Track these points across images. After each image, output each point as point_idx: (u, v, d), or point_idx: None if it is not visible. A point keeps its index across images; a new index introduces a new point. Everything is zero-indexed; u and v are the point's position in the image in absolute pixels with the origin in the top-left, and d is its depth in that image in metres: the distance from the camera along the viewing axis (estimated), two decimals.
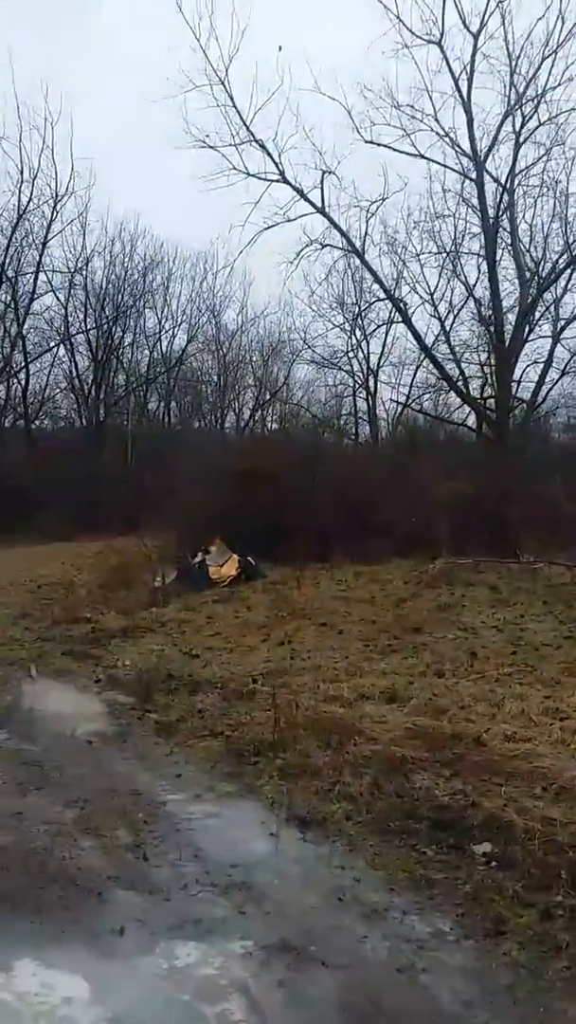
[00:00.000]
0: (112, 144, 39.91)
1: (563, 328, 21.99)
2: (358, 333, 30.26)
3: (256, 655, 8.80)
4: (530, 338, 21.96)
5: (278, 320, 37.71)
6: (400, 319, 21.38)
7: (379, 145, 19.58)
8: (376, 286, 24.34)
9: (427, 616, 10.24)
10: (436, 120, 19.51)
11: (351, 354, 30.58)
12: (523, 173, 20.18)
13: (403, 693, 6.87)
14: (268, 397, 38.13)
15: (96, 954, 3.34)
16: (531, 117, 19.50)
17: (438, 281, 23.42)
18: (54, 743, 6.14)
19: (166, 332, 37.15)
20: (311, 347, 29.65)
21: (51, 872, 4.04)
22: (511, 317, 20.63)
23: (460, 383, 22.89)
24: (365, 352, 31.15)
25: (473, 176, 19.63)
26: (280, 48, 20.91)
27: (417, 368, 29.70)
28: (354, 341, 30.42)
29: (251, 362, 38.54)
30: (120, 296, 34.10)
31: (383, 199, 20.21)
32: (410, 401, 29.48)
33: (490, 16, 18.70)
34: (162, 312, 36.80)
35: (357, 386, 32.47)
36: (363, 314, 27.10)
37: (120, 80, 41.66)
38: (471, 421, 24.95)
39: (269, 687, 7.37)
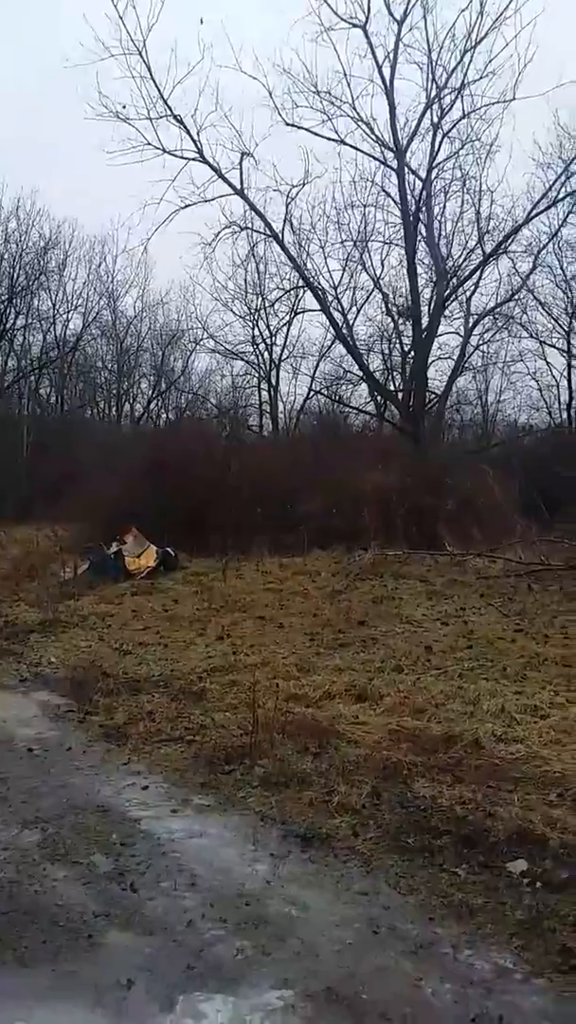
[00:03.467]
0: (7, 116, 38.10)
1: (475, 323, 22.08)
2: (261, 324, 29.85)
3: (194, 651, 8.20)
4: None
5: (178, 308, 36.77)
6: (319, 307, 20.92)
7: (300, 128, 19.10)
8: (280, 276, 24.09)
9: (367, 609, 9.82)
10: (353, 108, 19.21)
11: (255, 345, 30.17)
12: (439, 167, 20.15)
13: (370, 691, 6.40)
14: (164, 387, 37.23)
15: (104, 1017, 2.71)
16: (450, 109, 19.45)
17: (342, 274, 23.19)
18: None
19: (60, 316, 35.78)
20: (213, 336, 29.08)
21: (25, 910, 3.36)
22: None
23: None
24: (268, 343, 30.78)
25: (394, 166, 19.40)
26: (202, 21, 20.13)
27: (319, 360, 29.54)
28: (257, 332, 30.01)
29: (149, 350, 37.56)
30: (15, 275, 32.61)
31: (303, 183, 19.77)
32: (314, 392, 29.30)
33: (414, 4, 18.52)
34: (57, 295, 35.42)
35: (260, 377, 32.07)
36: (269, 304, 26.68)
37: (19, 51, 39.81)
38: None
39: (218, 685, 6.83)
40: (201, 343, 31.79)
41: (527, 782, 4.58)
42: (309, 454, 18.95)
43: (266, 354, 31.05)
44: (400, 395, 23.20)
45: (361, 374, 23.69)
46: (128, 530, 13.94)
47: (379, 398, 25.85)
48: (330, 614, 9.58)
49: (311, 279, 20.65)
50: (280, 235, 19.85)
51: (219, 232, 19.97)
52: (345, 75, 18.78)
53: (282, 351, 30.69)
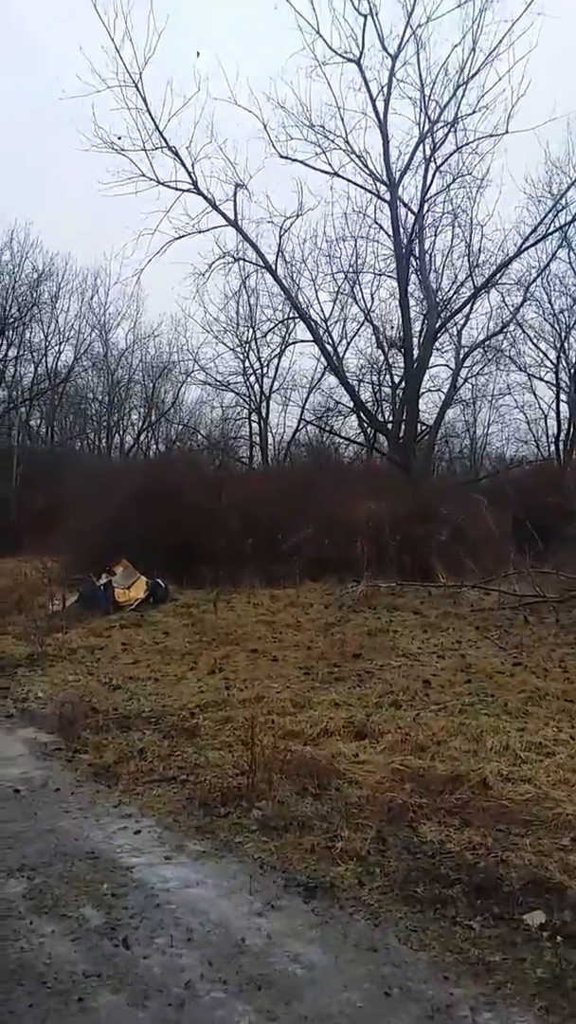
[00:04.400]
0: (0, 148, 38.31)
1: (466, 355, 22.08)
2: (251, 356, 29.87)
3: (186, 686, 7.96)
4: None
5: (169, 340, 36.80)
6: (311, 339, 20.91)
7: (294, 160, 19.18)
8: (273, 307, 24.12)
9: (362, 642, 9.60)
10: (347, 141, 19.33)
11: (246, 377, 30.17)
12: (431, 200, 20.26)
13: (370, 728, 6.19)
14: (154, 419, 37.15)
15: None
16: (442, 143, 19.59)
17: (332, 306, 23.23)
18: None
19: (52, 348, 35.75)
20: (204, 368, 29.08)
21: (9, 969, 3.12)
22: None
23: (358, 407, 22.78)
24: (259, 375, 30.79)
25: (387, 198, 19.48)
26: (198, 54, 20.15)
27: (309, 393, 29.51)
28: (248, 364, 30.03)
29: (140, 382, 37.52)
30: (6, 308, 32.57)
31: (297, 215, 19.83)
32: (305, 423, 29.23)
33: (407, 41, 18.72)
34: (49, 327, 35.40)
35: (251, 409, 32.01)
36: (259, 336, 26.72)
37: (11, 82, 40.10)
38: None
39: (212, 722, 6.61)
40: (192, 375, 31.82)
41: (538, 825, 4.37)
42: (300, 485, 18.78)
43: (256, 386, 31.07)
44: (391, 427, 23.11)
45: (352, 405, 23.70)
46: (118, 561, 13.70)
47: (369, 430, 25.84)
48: (324, 647, 9.36)
49: (304, 310, 20.65)
50: (273, 266, 19.86)
51: (213, 263, 20.02)
52: (339, 108, 18.94)
53: (272, 383, 30.71)
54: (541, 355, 27.43)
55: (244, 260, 20.70)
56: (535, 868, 3.83)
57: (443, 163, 19.56)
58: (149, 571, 14.05)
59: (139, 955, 3.25)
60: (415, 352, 20.05)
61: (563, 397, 28.57)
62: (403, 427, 20.79)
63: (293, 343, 25.20)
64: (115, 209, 43.47)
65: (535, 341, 26.69)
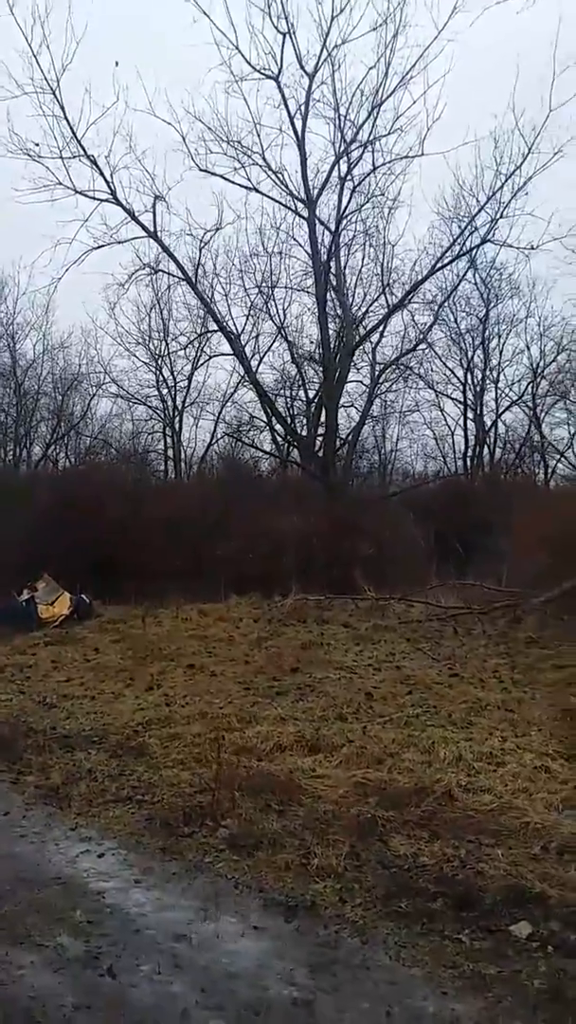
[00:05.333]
0: None
1: (381, 372, 22.39)
2: (165, 370, 29.62)
3: (124, 703, 7.78)
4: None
5: (79, 352, 36.10)
6: (230, 351, 20.87)
7: (212, 174, 19.13)
8: (192, 319, 23.99)
9: (298, 655, 9.57)
10: (263, 158, 19.38)
11: (159, 391, 29.87)
12: (347, 218, 20.51)
13: (321, 741, 6.15)
14: (63, 431, 36.39)
15: None
16: (357, 163, 19.86)
17: (245, 321, 23.26)
18: None
19: None
20: (116, 381, 28.68)
21: None
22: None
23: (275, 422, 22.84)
24: (171, 389, 30.52)
25: (305, 215, 19.61)
26: (117, 63, 19.80)
27: (223, 407, 29.39)
28: (161, 377, 29.76)
29: (49, 394, 36.70)
30: None
31: (217, 228, 19.73)
32: (221, 436, 29.10)
33: (323, 61, 18.91)
34: None
35: (165, 423, 31.67)
36: (177, 349, 26.53)
37: None
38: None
39: (158, 739, 6.47)
40: (104, 387, 31.29)
41: (507, 835, 4.41)
42: (220, 498, 18.67)
43: (169, 400, 30.77)
44: (308, 440, 23.22)
45: (268, 420, 23.72)
46: (40, 577, 13.33)
47: (284, 444, 25.92)
48: (261, 661, 9.29)
49: (223, 323, 20.60)
50: (193, 278, 19.74)
51: (133, 273, 19.75)
52: (256, 124, 18.96)
53: (185, 397, 30.46)
54: (448, 373, 28.09)
55: (164, 272, 20.53)
56: (513, 878, 3.86)
57: (360, 183, 19.83)
58: (71, 587, 13.74)
59: (127, 984, 3.12)
60: (335, 367, 20.20)
61: (470, 415, 29.29)
62: (322, 441, 20.89)
63: (213, 356, 25.03)
64: (23, 218, 42.43)
65: (443, 359, 27.32)
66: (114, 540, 15.37)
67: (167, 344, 27.75)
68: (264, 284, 21.64)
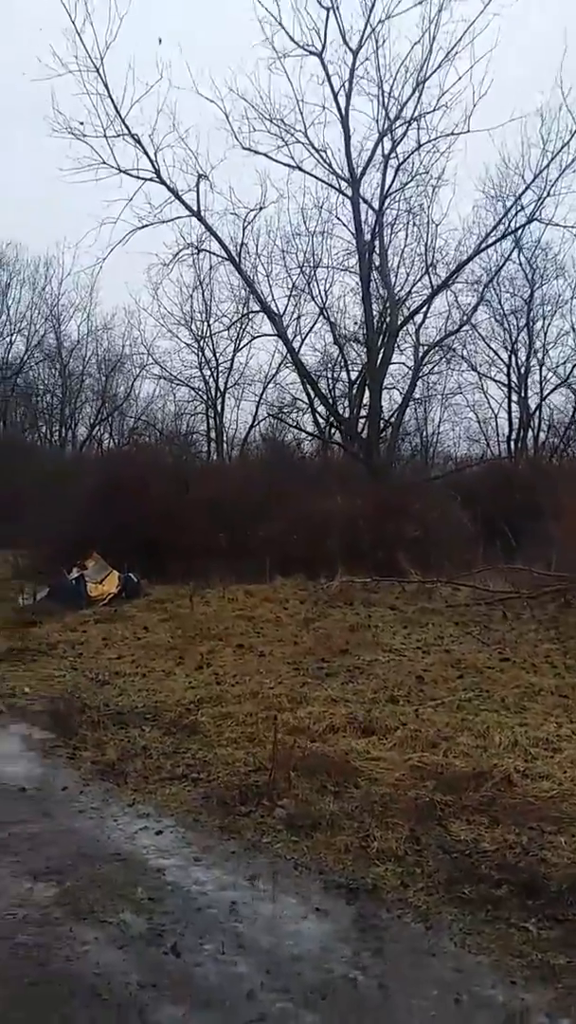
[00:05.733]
0: None
1: (425, 353, 22.15)
2: (207, 351, 29.59)
3: (175, 681, 7.80)
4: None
5: (122, 333, 36.19)
6: (273, 332, 20.77)
7: (256, 153, 18.99)
8: (236, 299, 23.91)
9: (346, 637, 9.53)
10: (306, 135, 19.18)
11: (202, 371, 29.87)
12: (391, 197, 20.24)
13: (375, 724, 6.11)
14: (106, 413, 36.58)
15: None
16: (401, 141, 19.58)
17: (287, 302, 23.07)
18: None
19: (3, 339, 34.99)
20: (159, 363, 28.74)
21: (59, 980, 2.97)
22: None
23: (318, 403, 22.73)
24: (214, 370, 30.49)
25: (349, 194, 19.42)
26: (160, 41, 19.67)
27: (264, 388, 29.30)
28: (203, 359, 29.75)
29: (93, 375, 36.94)
30: None
31: (260, 208, 19.63)
32: (265, 418, 29.05)
33: (367, 38, 18.65)
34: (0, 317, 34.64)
35: (207, 405, 31.68)
36: (220, 330, 26.48)
37: None
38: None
39: (210, 718, 6.48)
40: (147, 369, 31.40)
41: (569, 823, 4.35)
42: (264, 479, 18.64)
43: (212, 381, 30.74)
44: (351, 422, 23.11)
45: (310, 401, 23.61)
46: (89, 555, 13.43)
47: (325, 426, 25.77)
48: (310, 642, 9.26)
49: (266, 303, 20.50)
50: (236, 258, 19.66)
51: (177, 253, 19.77)
52: (299, 102, 18.75)
53: (227, 378, 30.41)
54: (492, 354, 27.69)
55: (207, 251, 20.48)
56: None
57: (404, 161, 19.55)
58: (118, 566, 13.83)
59: (191, 963, 3.11)
60: (379, 348, 20.01)
61: (514, 397, 28.87)
62: (365, 422, 20.75)
63: (256, 336, 24.90)
64: (67, 199, 42.54)
65: (487, 341, 26.93)
66: (159, 521, 15.43)
67: (209, 325, 27.73)
68: (306, 264, 21.52)
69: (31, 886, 3.69)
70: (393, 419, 22.11)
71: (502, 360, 27.97)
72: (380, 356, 20.23)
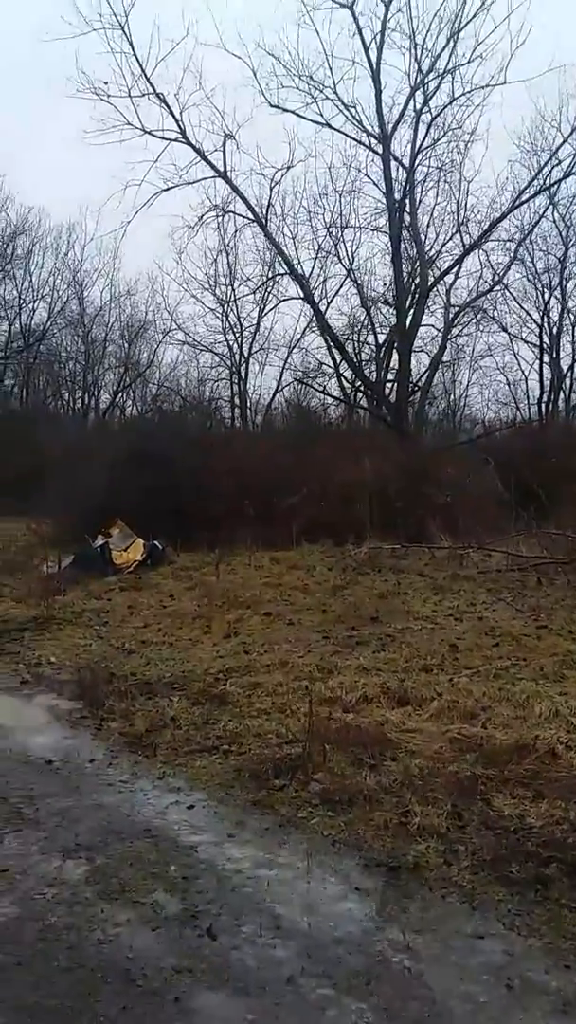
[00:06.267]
0: None
1: (456, 315, 21.71)
2: (231, 316, 29.22)
3: (202, 650, 7.67)
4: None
5: (145, 299, 35.90)
6: (300, 295, 20.41)
7: (284, 110, 18.53)
8: (263, 261, 23.51)
9: (376, 605, 9.35)
10: (335, 91, 18.69)
11: (226, 337, 29.53)
12: (422, 154, 19.72)
13: (409, 694, 5.93)
14: (129, 380, 36.37)
15: None
16: (434, 95, 19.03)
17: (313, 264, 22.61)
18: (5, 765, 4.83)
19: (27, 305, 34.83)
20: (182, 328, 28.43)
21: (91, 964, 2.84)
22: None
23: (344, 368, 22.38)
24: (238, 335, 30.14)
25: (379, 151, 18.92)
26: None
27: (289, 353, 28.92)
28: (228, 324, 29.40)
29: (116, 341, 36.71)
30: None
31: (288, 167, 19.22)
32: (290, 383, 28.72)
33: None
34: (23, 284, 34.44)
35: (231, 370, 31.37)
36: (246, 294, 26.11)
37: None
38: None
39: (239, 688, 6.33)
40: (170, 334, 31.11)
41: None
42: (291, 445, 18.41)
43: (236, 346, 30.40)
44: (379, 386, 22.75)
45: (335, 366, 23.28)
46: (113, 522, 13.33)
47: (351, 391, 25.41)
48: (339, 610, 9.10)
49: (293, 266, 20.12)
50: (264, 220, 19.29)
51: (204, 215, 19.46)
52: (327, 56, 18.28)
53: (251, 343, 30.05)
54: (524, 315, 27.08)
55: (234, 213, 20.11)
56: None
57: (437, 115, 19.02)
58: (143, 533, 13.71)
59: (228, 946, 2.97)
60: (408, 309, 19.61)
61: (546, 359, 28.29)
62: (395, 386, 20.40)
63: (283, 300, 24.47)
64: (90, 164, 42.17)
65: (519, 301, 26.33)
66: (185, 488, 15.29)
67: (233, 289, 27.36)
68: (333, 226, 21.06)
69: (60, 864, 3.56)
70: (422, 383, 21.74)
71: (534, 320, 27.39)
72: (410, 318, 19.81)
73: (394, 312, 21.73)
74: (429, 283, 20.03)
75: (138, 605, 9.78)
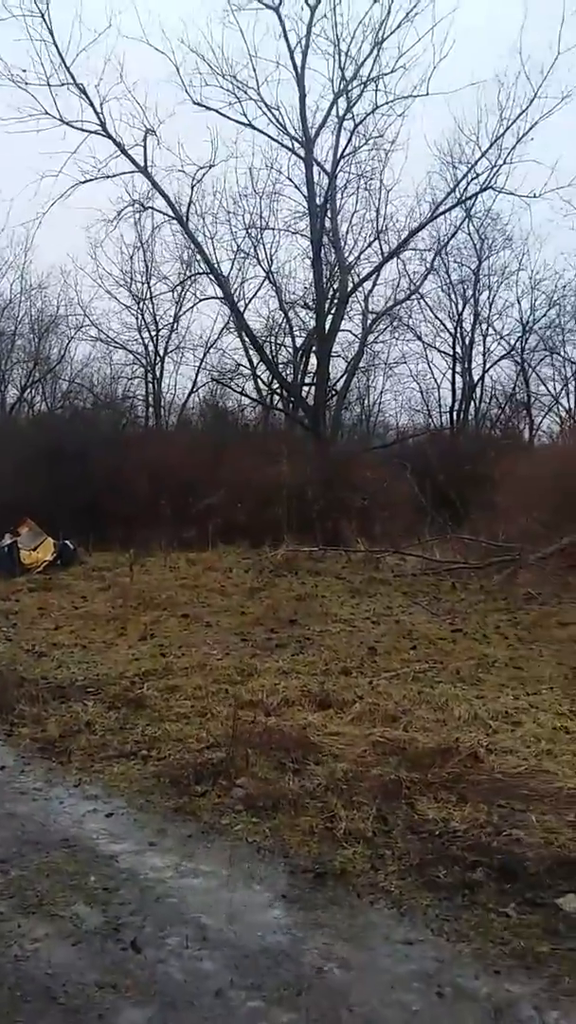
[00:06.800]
0: None
1: (374, 321, 21.91)
2: (147, 314, 28.81)
3: (117, 652, 7.51)
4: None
5: (57, 293, 35.00)
6: (219, 295, 20.26)
7: (207, 108, 18.39)
8: (181, 259, 23.27)
9: (294, 607, 9.32)
10: (259, 93, 18.67)
11: (141, 334, 29.08)
12: (344, 159, 19.84)
13: (331, 697, 5.89)
14: (39, 375, 35.43)
15: None
16: (356, 103, 19.18)
17: (231, 265, 22.48)
18: None
19: None
20: (95, 324, 27.89)
21: (8, 982, 2.68)
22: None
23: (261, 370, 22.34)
24: (153, 334, 29.70)
25: (302, 154, 18.96)
26: None
27: (205, 353, 28.67)
28: (143, 321, 28.96)
29: (25, 335, 35.72)
30: None
31: (210, 166, 19.05)
32: (207, 383, 28.44)
33: None
34: None
35: (146, 368, 30.89)
36: (169, 289, 25.74)
37: None
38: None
39: (157, 691, 6.20)
40: (83, 330, 30.43)
41: (539, 800, 4.18)
42: (207, 445, 18.26)
43: (151, 345, 29.93)
44: (295, 390, 22.75)
45: (251, 368, 23.19)
46: (23, 521, 12.94)
47: (267, 393, 25.33)
48: (257, 612, 9.03)
49: (213, 265, 19.98)
50: (184, 217, 19.08)
51: (122, 209, 19.13)
52: (252, 57, 18.25)
53: (167, 342, 29.63)
54: (439, 325, 27.52)
55: (153, 209, 19.83)
56: (555, 847, 3.63)
57: (361, 122, 19.17)
58: (54, 533, 13.38)
59: (153, 960, 2.85)
60: (328, 313, 19.70)
61: (458, 368, 28.80)
62: (313, 389, 20.46)
63: (203, 299, 24.21)
64: (2, 152, 40.95)
65: (433, 310, 26.75)
66: (98, 486, 15.06)
67: (150, 287, 26.93)
68: (253, 227, 20.99)
69: None
70: (339, 387, 21.87)
71: (447, 330, 27.83)
72: (329, 322, 19.89)
73: (311, 316, 21.84)
74: (348, 288, 20.14)
75: (48, 606, 9.52)
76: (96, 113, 17.60)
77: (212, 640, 7.85)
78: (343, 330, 22.51)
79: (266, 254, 22.02)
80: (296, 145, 19.15)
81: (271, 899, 3.31)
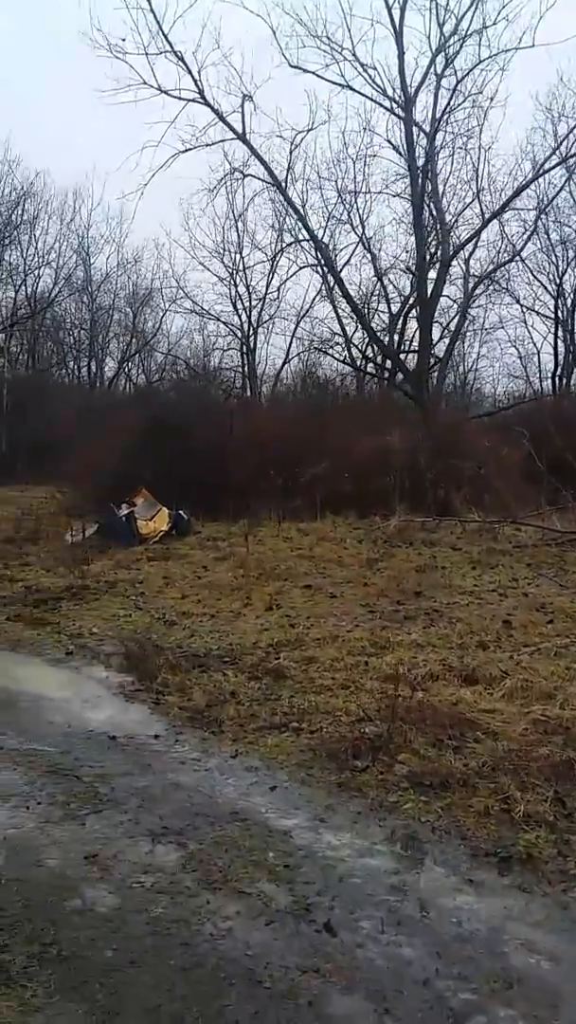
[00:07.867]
0: None
1: (475, 285, 21.31)
2: (240, 286, 28.76)
3: (245, 622, 7.46)
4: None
5: (151, 267, 35.27)
6: (318, 261, 19.96)
7: (304, 71, 18.00)
8: (279, 227, 23.02)
9: (417, 579, 9.13)
10: (354, 54, 18.14)
11: (235, 305, 29.07)
12: (445, 118, 19.20)
13: (477, 672, 5.70)
14: (135, 349, 35.86)
15: None
16: (454, 60, 18.50)
17: (323, 233, 22.08)
18: (69, 741, 4.62)
19: (32, 272, 34.19)
20: (190, 296, 27.99)
21: (208, 965, 2.62)
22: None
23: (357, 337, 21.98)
24: (246, 305, 29.66)
25: (401, 115, 18.43)
26: None
27: (298, 323, 28.45)
28: (237, 293, 28.94)
29: (122, 309, 36.18)
30: None
31: (308, 129, 18.71)
32: (298, 354, 28.28)
33: None
34: (28, 250, 33.79)
35: (241, 340, 30.89)
36: (268, 258, 25.62)
37: None
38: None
39: (294, 662, 6.11)
40: (177, 302, 30.63)
41: None
42: (312, 415, 18.09)
43: (245, 315, 29.90)
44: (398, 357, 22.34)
45: (345, 336, 22.84)
46: (138, 492, 13.06)
47: (362, 361, 24.89)
48: (380, 583, 8.88)
49: (313, 232, 19.68)
50: (284, 183, 18.83)
51: (222, 178, 18.97)
52: (346, 17, 17.76)
53: (260, 312, 29.54)
54: (540, 287, 26.62)
55: (253, 177, 19.62)
56: None
57: (463, 79, 18.47)
58: (164, 503, 13.47)
59: (351, 944, 2.76)
60: (429, 278, 19.21)
61: (560, 332, 27.83)
62: (415, 356, 20.05)
63: (303, 267, 23.85)
64: (96, 129, 41.32)
65: (534, 273, 25.85)
66: (202, 458, 15.05)
67: (243, 257, 26.86)
68: (348, 192, 20.53)
69: (151, 849, 3.35)
70: (440, 354, 21.37)
71: (548, 292, 26.93)
72: (430, 287, 19.40)
73: (410, 281, 21.36)
74: (451, 252, 19.58)
75: (172, 575, 9.55)
76: (194, 80, 17.47)
77: (339, 612, 7.74)
78: (444, 295, 21.98)
79: (360, 220, 21.58)
80: (395, 106, 18.62)
81: (457, 883, 3.18)
